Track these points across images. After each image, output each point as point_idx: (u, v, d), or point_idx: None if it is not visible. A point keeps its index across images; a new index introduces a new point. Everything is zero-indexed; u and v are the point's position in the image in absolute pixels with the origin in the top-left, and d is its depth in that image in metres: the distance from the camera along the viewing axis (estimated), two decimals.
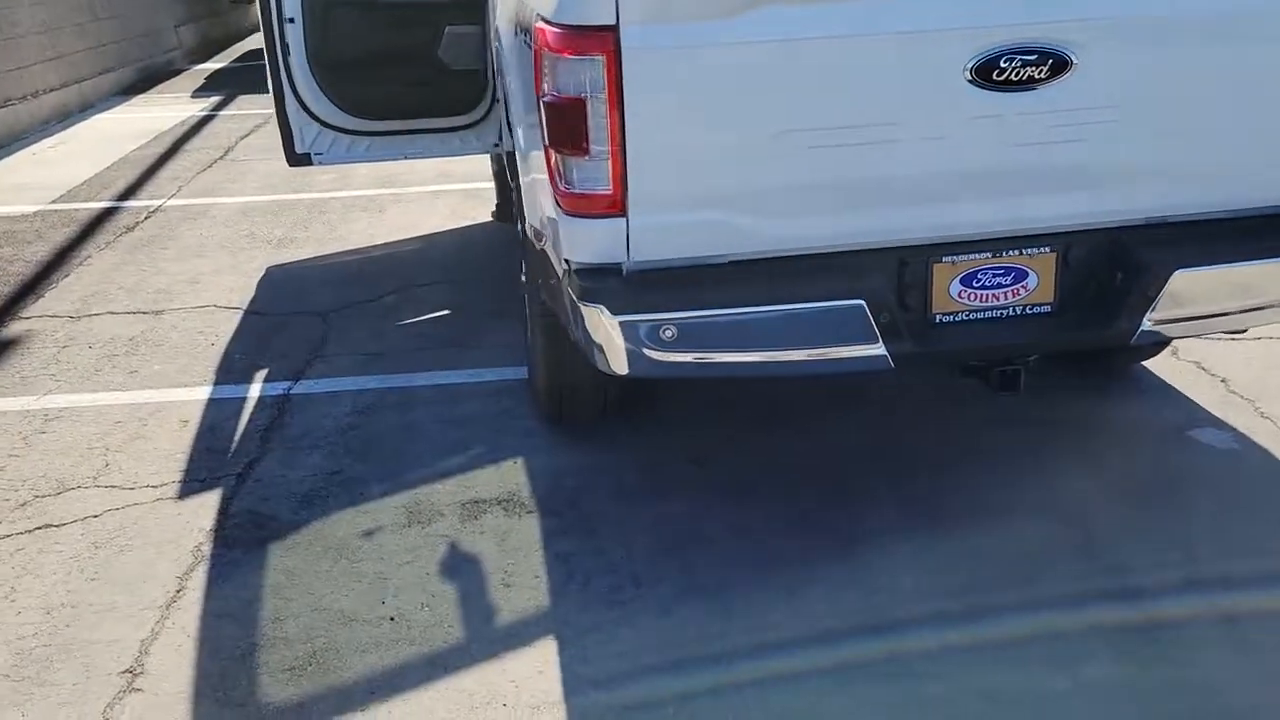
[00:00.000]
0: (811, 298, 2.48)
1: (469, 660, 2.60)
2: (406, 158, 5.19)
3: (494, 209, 5.53)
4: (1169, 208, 2.63)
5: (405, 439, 3.65)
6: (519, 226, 3.38)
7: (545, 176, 2.59)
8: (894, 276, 2.59)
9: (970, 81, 2.41)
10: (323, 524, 3.18)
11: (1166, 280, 2.55)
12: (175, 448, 3.64)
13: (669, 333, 2.45)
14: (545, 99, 2.44)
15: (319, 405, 3.91)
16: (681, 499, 3.23)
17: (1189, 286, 2.57)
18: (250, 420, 3.83)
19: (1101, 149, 2.53)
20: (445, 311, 4.75)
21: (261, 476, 3.45)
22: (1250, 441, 3.39)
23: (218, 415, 3.86)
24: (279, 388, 4.07)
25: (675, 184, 2.46)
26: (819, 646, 2.60)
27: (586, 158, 2.40)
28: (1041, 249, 2.63)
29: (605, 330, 2.47)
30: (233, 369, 4.23)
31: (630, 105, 2.35)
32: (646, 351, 2.46)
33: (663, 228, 2.48)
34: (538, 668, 2.55)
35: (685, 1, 2.34)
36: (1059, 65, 2.40)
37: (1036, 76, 2.40)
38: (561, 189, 2.49)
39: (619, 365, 2.49)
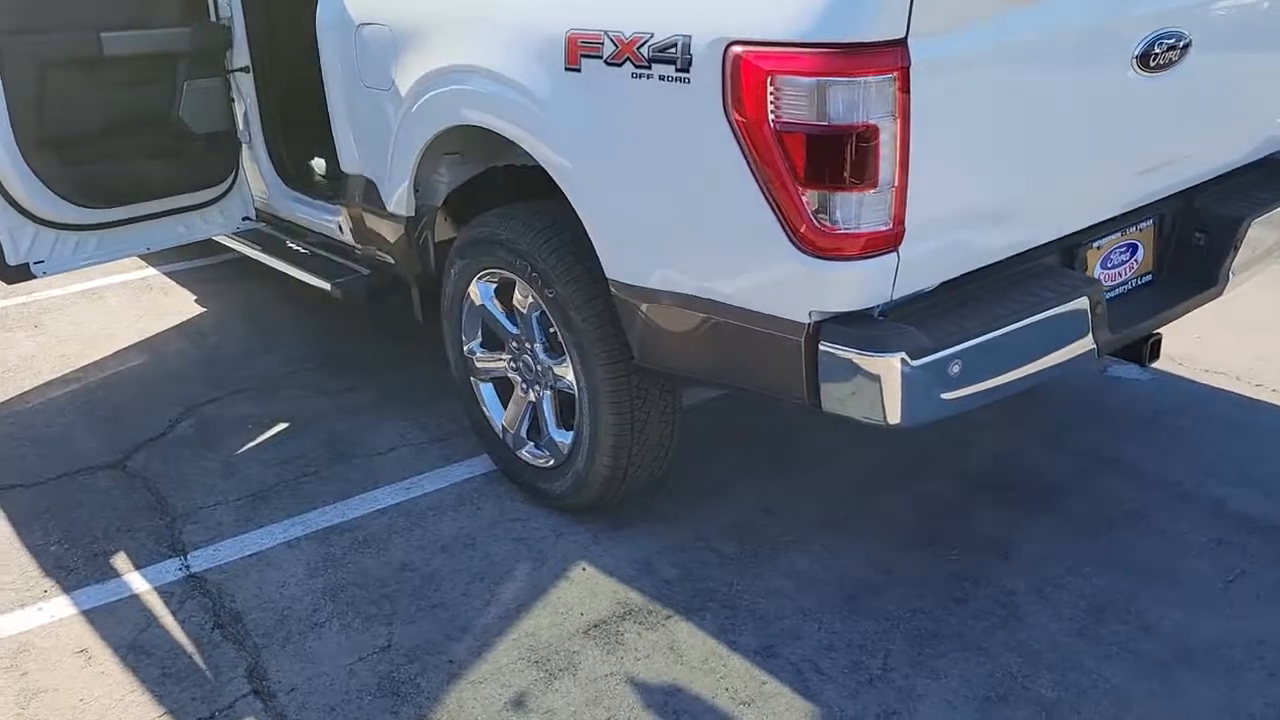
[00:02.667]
0: (1049, 303, 2.42)
1: None
2: (150, 249, 4.12)
3: (419, 306, 3.84)
4: (1224, 164, 2.93)
5: (422, 583, 2.93)
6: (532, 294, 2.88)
7: (754, 223, 2.23)
8: (1068, 268, 2.62)
9: (1133, 69, 2.49)
10: (445, 711, 2.46)
11: (1244, 230, 2.85)
12: (116, 689, 2.59)
13: (956, 368, 2.25)
14: (796, 130, 2.10)
15: (254, 573, 3.00)
16: (788, 547, 2.98)
17: (1260, 232, 2.89)
18: (180, 620, 2.84)
19: (1198, 120, 2.75)
20: (283, 425, 3.87)
21: (294, 685, 2.58)
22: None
23: (122, 629, 2.80)
24: (169, 570, 3.05)
25: (942, 207, 2.26)
26: None
27: (871, 191, 2.11)
28: (1146, 221, 2.81)
29: (888, 380, 2.20)
30: (68, 566, 3.08)
31: (917, 124, 2.11)
32: (936, 394, 2.24)
33: (923, 258, 2.27)
34: None
35: (973, 4, 2.14)
36: (1185, 46, 2.57)
37: (1173, 59, 2.55)
38: (816, 231, 2.16)
39: (896, 415, 2.23)
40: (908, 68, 2.06)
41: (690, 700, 2.46)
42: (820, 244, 2.17)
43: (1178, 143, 2.73)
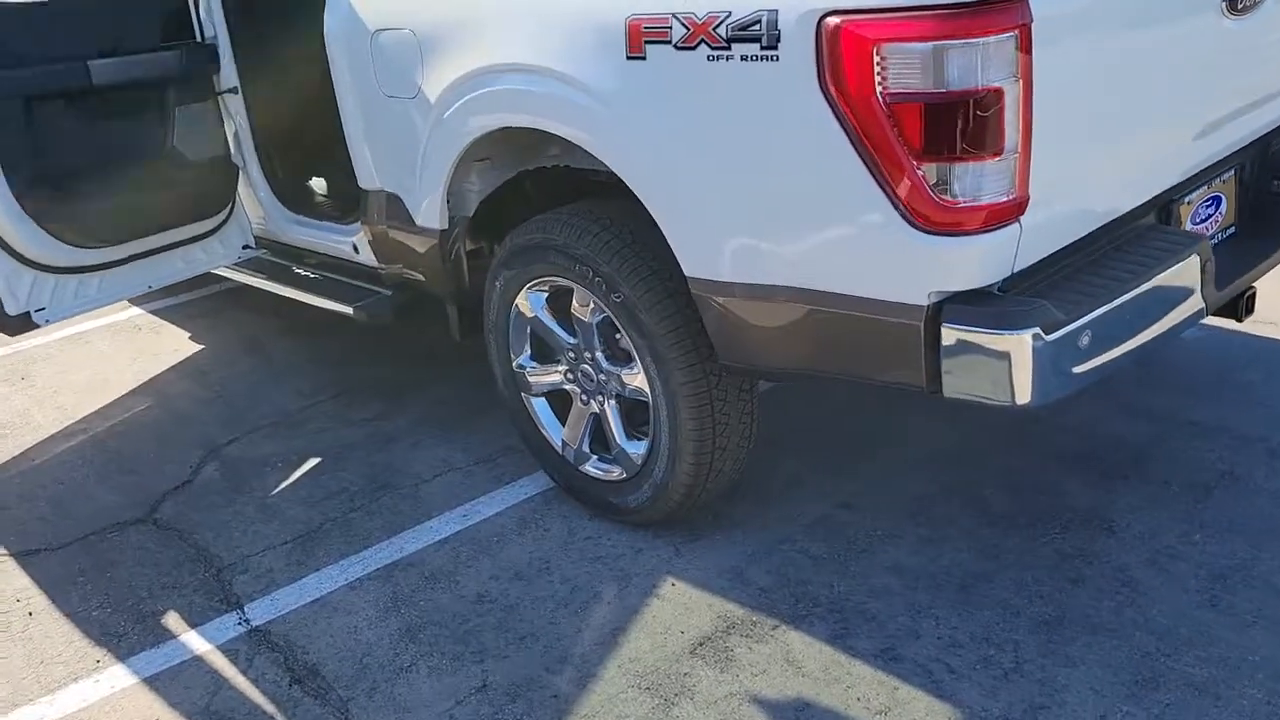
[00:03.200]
0: (1163, 263, 2.31)
1: None
2: (152, 288, 3.90)
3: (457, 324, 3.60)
4: None
5: (504, 614, 2.76)
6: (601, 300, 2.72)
7: (860, 203, 2.10)
8: (1166, 226, 2.52)
9: (1223, 12, 2.39)
10: None
11: None
12: None
13: (1085, 339, 2.13)
14: (910, 100, 1.98)
15: (321, 620, 2.81)
16: (882, 542, 2.85)
17: None
18: (253, 679, 2.65)
19: (1277, 63, 2.66)
20: (314, 460, 3.67)
21: None
22: None
23: (192, 694, 2.60)
24: (227, 626, 2.85)
25: (1060, 171, 2.15)
26: None
27: (994, 159, 1.98)
28: (1228, 172, 2.72)
29: (1019, 358, 2.07)
30: (117, 632, 2.87)
31: (1039, 84, 1.99)
32: (1067, 368, 2.12)
33: (1042, 226, 2.16)
34: None
35: None
36: None
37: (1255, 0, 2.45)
38: (935, 206, 2.03)
39: (1026, 395, 2.11)
40: (1029, 25, 1.93)
41: (821, 714, 2.32)
42: (939, 220, 2.04)
43: (1258, 87, 2.64)
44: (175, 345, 4.82)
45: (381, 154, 3.27)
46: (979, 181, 2.00)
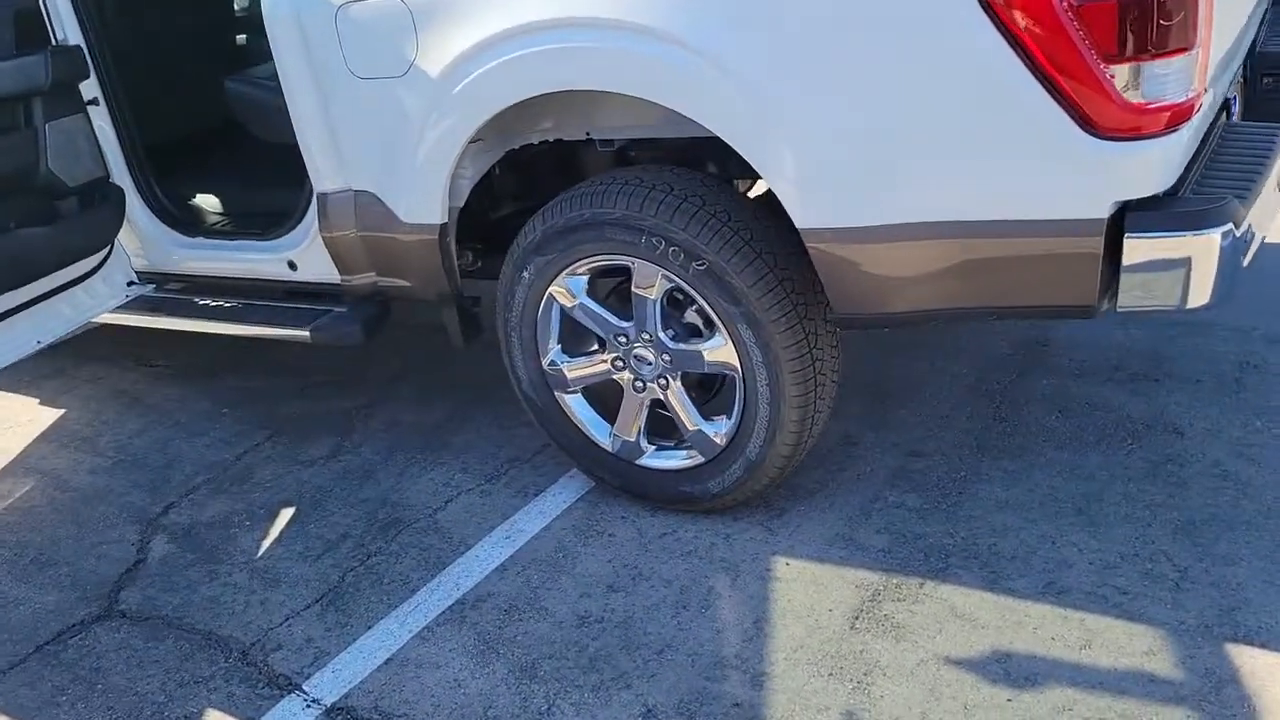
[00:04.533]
0: (1268, 150, 2.35)
1: None
2: (41, 344, 3.29)
3: (456, 331, 3.15)
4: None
5: (624, 631, 2.49)
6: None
7: (1029, 118, 2.01)
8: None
9: None
10: None
11: None
12: None
13: (1248, 231, 2.14)
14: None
15: (409, 681, 2.44)
16: (971, 481, 2.80)
17: None
18: None
19: None
20: (287, 510, 3.20)
21: None
22: None
23: None
24: (294, 712, 2.42)
25: (1211, 63, 2.12)
26: None
27: (1184, 54, 1.94)
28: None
29: (1205, 258, 2.05)
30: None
31: None
32: (1240, 262, 2.11)
33: (1199, 123, 2.13)
34: None
35: None
36: None
37: None
38: (1126, 110, 1.97)
39: (1206, 294, 2.09)
40: None
41: (1025, 661, 2.21)
42: (1125, 125, 1.97)
43: None
44: (29, 415, 4.09)
45: (352, 147, 2.86)
46: (1166, 80, 1.94)
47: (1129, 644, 2.21)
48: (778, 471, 2.65)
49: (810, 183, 2.25)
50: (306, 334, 3.20)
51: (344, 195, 2.95)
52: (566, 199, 2.63)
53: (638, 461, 2.84)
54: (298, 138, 2.94)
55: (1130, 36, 1.89)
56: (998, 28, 1.96)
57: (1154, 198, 2.05)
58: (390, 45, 2.63)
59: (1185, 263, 2.04)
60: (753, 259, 2.44)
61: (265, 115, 3.33)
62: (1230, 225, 2.00)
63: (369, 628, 2.62)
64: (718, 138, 2.53)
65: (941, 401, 3.20)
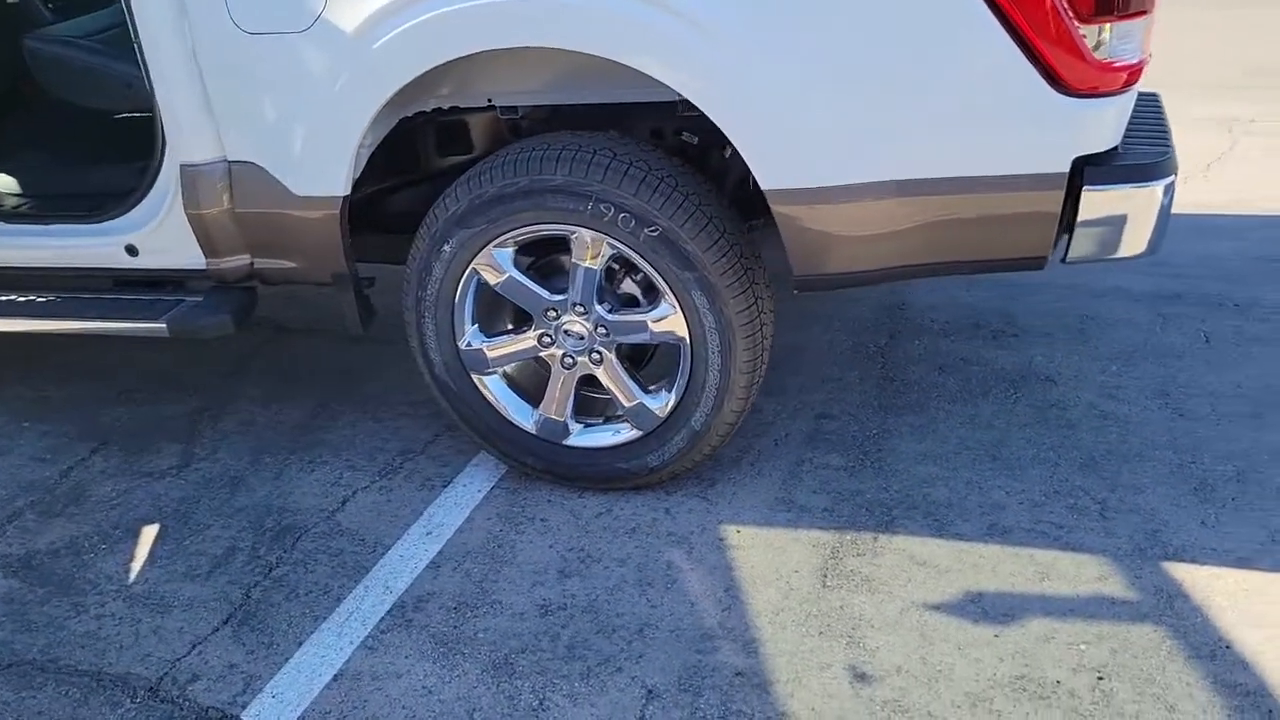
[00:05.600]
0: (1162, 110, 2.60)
1: None
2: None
3: (356, 316, 2.83)
4: None
5: (594, 617, 2.39)
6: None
7: (1000, 76, 2.12)
8: None
9: None
10: (788, 704, 2.09)
11: None
12: None
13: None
14: None
15: (370, 694, 2.22)
16: (886, 437, 2.92)
17: None
18: None
19: None
20: (150, 528, 2.84)
21: None
22: None
23: None
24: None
25: None
26: None
27: (1144, 17, 2.10)
28: None
29: (1148, 208, 2.25)
30: None
31: None
32: (1169, 208, 2.32)
33: None
34: None
35: None
36: None
37: None
38: (1096, 68, 2.11)
39: (1144, 244, 2.30)
40: None
41: (996, 599, 2.33)
42: (1092, 83, 2.10)
43: None
44: None
45: (231, 112, 2.56)
46: (1129, 42, 2.09)
47: (1080, 573, 2.37)
48: (719, 440, 2.63)
49: (778, 142, 2.25)
50: (162, 326, 2.84)
51: (216, 167, 2.63)
52: (494, 166, 2.48)
53: (565, 442, 2.73)
54: (157, 102, 2.60)
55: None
56: None
57: (1105, 153, 2.19)
58: None
59: (1135, 214, 2.20)
60: (704, 223, 2.41)
61: (79, 78, 2.92)
62: (1173, 177, 2.18)
63: (299, 644, 2.36)
64: (622, 105, 2.49)
65: (829, 366, 3.30)
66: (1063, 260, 2.32)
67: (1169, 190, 2.20)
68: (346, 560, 2.61)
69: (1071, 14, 2.02)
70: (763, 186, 2.29)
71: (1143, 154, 2.23)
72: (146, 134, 2.77)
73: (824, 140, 2.23)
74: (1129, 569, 2.36)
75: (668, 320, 2.50)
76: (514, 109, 2.71)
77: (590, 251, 2.49)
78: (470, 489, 2.85)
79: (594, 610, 2.39)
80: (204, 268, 2.80)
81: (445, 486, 2.87)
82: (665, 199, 2.38)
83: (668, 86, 2.35)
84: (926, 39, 2.11)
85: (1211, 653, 2.12)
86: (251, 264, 2.77)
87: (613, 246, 2.46)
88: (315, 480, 2.95)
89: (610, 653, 2.26)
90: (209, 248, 2.73)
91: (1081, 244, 2.24)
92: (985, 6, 2.04)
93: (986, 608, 2.30)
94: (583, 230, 2.45)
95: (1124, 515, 2.54)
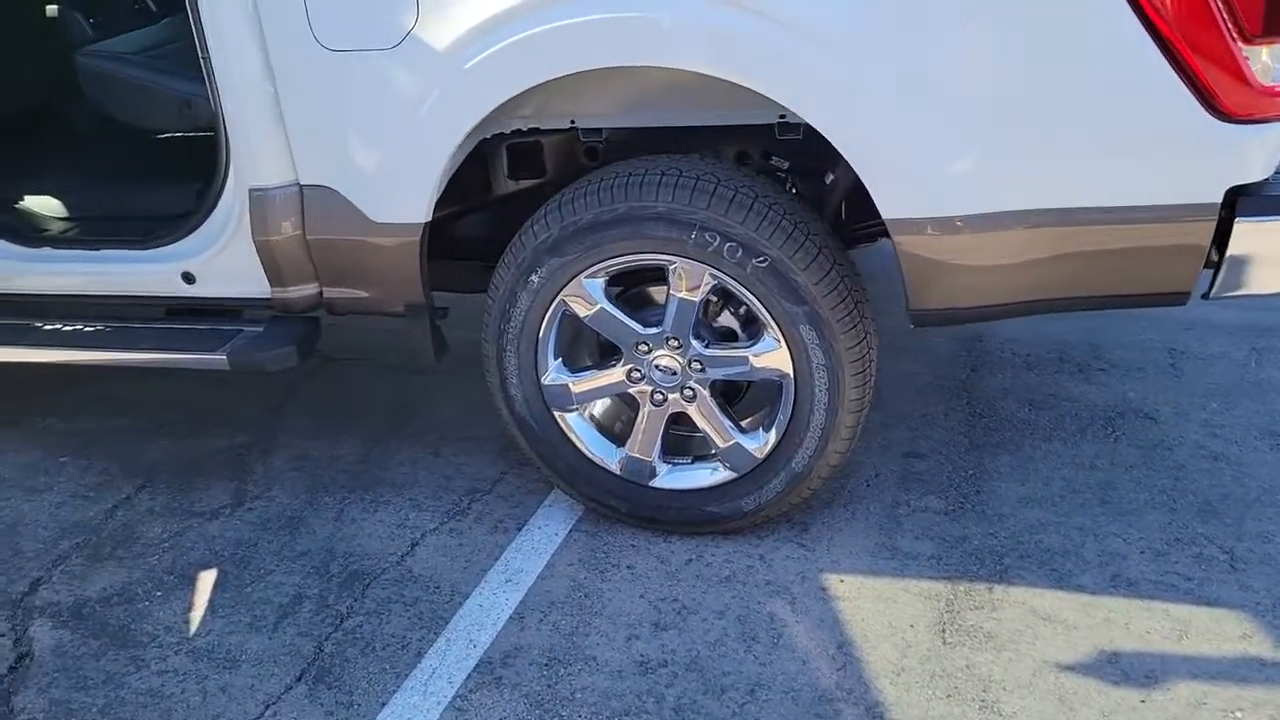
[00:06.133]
0: None
1: None
2: None
3: (433, 345, 2.67)
4: None
5: (697, 673, 2.22)
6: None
7: (1152, 100, 1.98)
8: None
9: None
10: None
11: None
12: None
13: None
14: None
15: None
16: (981, 479, 2.76)
17: None
18: None
19: None
20: (210, 573, 2.68)
21: None
22: None
23: None
24: None
25: None
26: None
27: None
28: None
29: None
30: None
31: None
32: None
33: None
34: None
35: None
36: None
37: None
38: (1250, 92, 1.96)
39: None
40: None
41: (1137, 659, 2.17)
42: (1252, 108, 1.96)
43: None
44: None
45: (307, 133, 2.41)
46: None
47: (1221, 629, 2.21)
48: (820, 483, 2.48)
49: (903, 168, 2.10)
50: (222, 358, 2.68)
51: (288, 191, 2.48)
52: (588, 191, 2.33)
53: (651, 483, 2.57)
54: (224, 122, 2.45)
55: (1274, 16, 1.87)
56: (1131, 5, 1.89)
57: (1255, 184, 2.05)
58: (379, 10, 2.22)
59: None
60: (815, 254, 2.26)
61: (134, 95, 2.77)
62: None
63: (383, 704, 2.20)
64: (708, 128, 2.35)
65: (910, 401, 3.14)
66: (1204, 296, 2.17)
67: None
68: (423, 610, 2.44)
69: (1235, 33, 1.88)
70: (884, 215, 2.15)
71: None
72: (203, 156, 2.63)
73: (953, 166, 2.08)
74: (1273, 626, 2.21)
75: (771, 356, 2.35)
76: (597, 131, 2.56)
77: (690, 283, 2.34)
78: (547, 532, 2.69)
79: (698, 668, 2.22)
80: (268, 297, 2.64)
81: (520, 529, 2.71)
82: (774, 228, 2.24)
83: (762, 109, 2.22)
84: (1072, 57, 1.97)
85: None
86: (320, 293, 2.61)
87: (715, 278, 2.31)
88: (380, 521, 2.79)
89: (722, 716, 2.10)
90: (275, 276, 2.58)
91: (1229, 278, 2.09)
92: (1139, 24, 1.90)
93: (1126, 669, 2.14)
94: (684, 260, 2.30)
95: (1256, 566, 2.39)
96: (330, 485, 2.96)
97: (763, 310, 2.31)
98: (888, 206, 2.14)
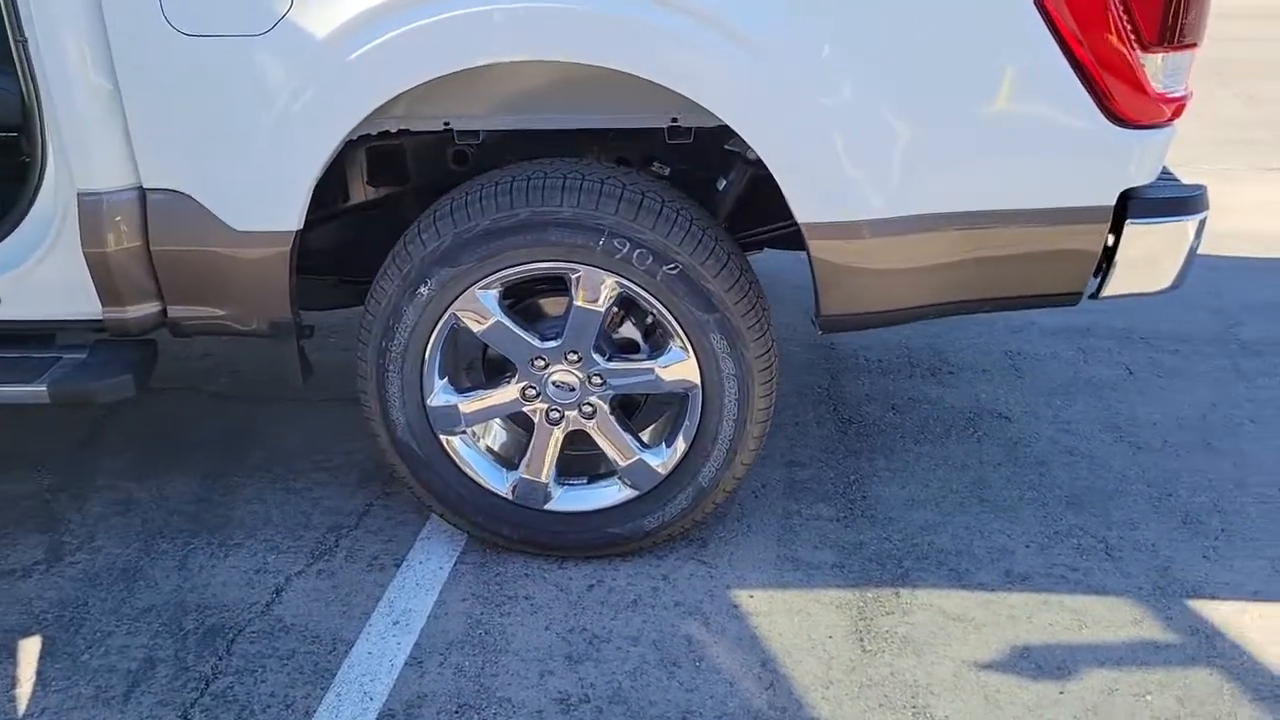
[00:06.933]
0: None
1: None
2: None
3: (298, 367, 2.40)
4: None
5: (623, 705, 2.10)
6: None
7: (1054, 105, 2.06)
8: None
9: None
10: None
11: None
12: None
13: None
14: None
15: None
16: (862, 484, 2.78)
17: None
18: None
19: None
20: (34, 640, 2.32)
21: None
22: None
23: None
24: None
25: None
26: None
27: (1195, 49, 2.09)
28: None
29: (1180, 242, 2.24)
30: None
31: None
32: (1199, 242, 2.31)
33: None
34: None
35: None
36: None
37: None
38: (1145, 99, 2.06)
39: (1171, 277, 2.28)
40: None
41: (1047, 651, 2.23)
42: (1146, 114, 2.06)
43: None
44: None
45: (154, 130, 2.13)
46: (1180, 72, 2.06)
47: (1114, 617, 2.30)
48: (724, 497, 2.41)
49: (820, 172, 2.07)
50: (41, 389, 2.32)
51: (127, 196, 2.17)
52: (484, 195, 2.18)
53: (547, 507, 2.42)
54: (42, 116, 2.13)
55: (1168, 26, 1.97)
56: (1040, 13, 1.94)
57: (1141, 187, 2.15)
58: None
59: (1170, 248, 2.17)
60: (725, 261, 2.20)
61: None
62: (1207, 212, 2.17)
63: None
64: (588, 130, 2.27)
65: (780, 410, 3.08)
66: (1092, 296, 2.26)
67: (1202, 225, 2.18)
68: (303, 663, 2.19)
69: (1134, 41, 1.96)
70: (799, 220, 2.11)
71: (1175, 188, 2.21)
72: (9, 156, 2.27)
73: (869, 170, 2.07)
74: (1158, 610, 2.32)
75: (679, 367, 2.27)
76: (474, 133, 2.40)
77: (594, 292, 2.21)
78: (430, 567, 2.49)
79: (622, 700, 2.10)
80: (97, 318, 2.31)
81: (399, 566, 2.49)
82: (685, 234, 2.16)
83: (652, 112, 2.15)
84: (981, 66, 2.00)
85: (1273, 693, 2.08)
86: (163, 312, 2.31)
87: (622, 286, 2.20)
88: (233, 568, 2.49)
89: None
90: (109, 294, 2.26)
91: (1119, 279, 2.18)
92: (1045, 29, 1.95)
93: (1039, 662, 2.18)
94: (589, 269, 2.18)
95: (1130, 553, 2.51)
96: (166, 530, 2.63)
97: (671, 320, 2.21)
98: (801, 210, 2.10)
